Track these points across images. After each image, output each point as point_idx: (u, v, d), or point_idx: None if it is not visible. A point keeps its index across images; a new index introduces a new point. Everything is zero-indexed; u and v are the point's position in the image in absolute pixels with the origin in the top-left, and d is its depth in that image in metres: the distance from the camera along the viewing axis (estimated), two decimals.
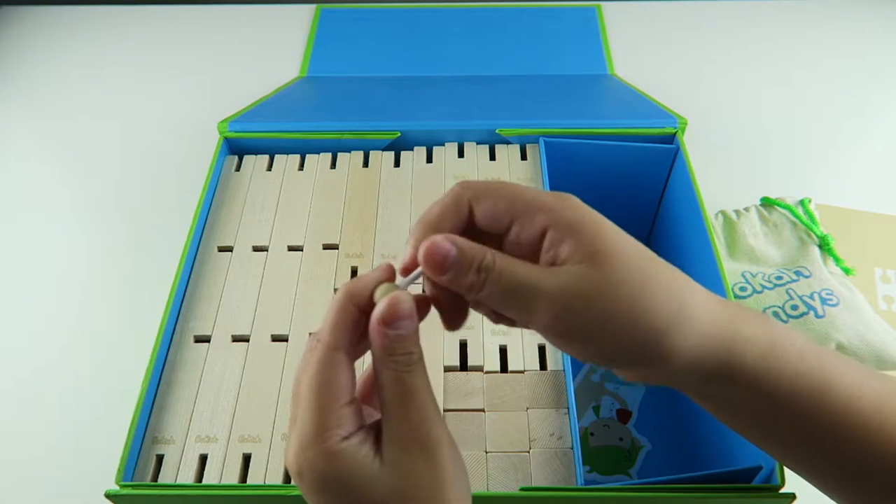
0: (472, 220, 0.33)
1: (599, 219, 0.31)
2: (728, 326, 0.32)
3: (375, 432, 0.32)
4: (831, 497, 0.36)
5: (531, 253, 0.32)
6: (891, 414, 0.33)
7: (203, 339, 0.54)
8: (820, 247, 0.70)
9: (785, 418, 0.33)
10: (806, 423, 0.33)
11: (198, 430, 0.50)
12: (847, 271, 0.69)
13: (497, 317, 0.34)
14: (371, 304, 0.31)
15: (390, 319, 0.31)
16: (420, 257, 0.31)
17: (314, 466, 0.30)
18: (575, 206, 0.32)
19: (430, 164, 0.66)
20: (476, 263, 0.30)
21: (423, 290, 0.33)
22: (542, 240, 0.31)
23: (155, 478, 0.48)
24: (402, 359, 0.31)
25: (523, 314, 0.31)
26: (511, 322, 0.34)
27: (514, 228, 0.32)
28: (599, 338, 0.30)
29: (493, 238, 0.32)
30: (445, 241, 0.31)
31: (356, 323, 0.32)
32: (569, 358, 0.52)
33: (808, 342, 0.33)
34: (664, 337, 0.30)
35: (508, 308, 0.31)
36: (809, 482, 0.36)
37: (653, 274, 0.31)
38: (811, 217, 0.72)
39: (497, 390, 0.51)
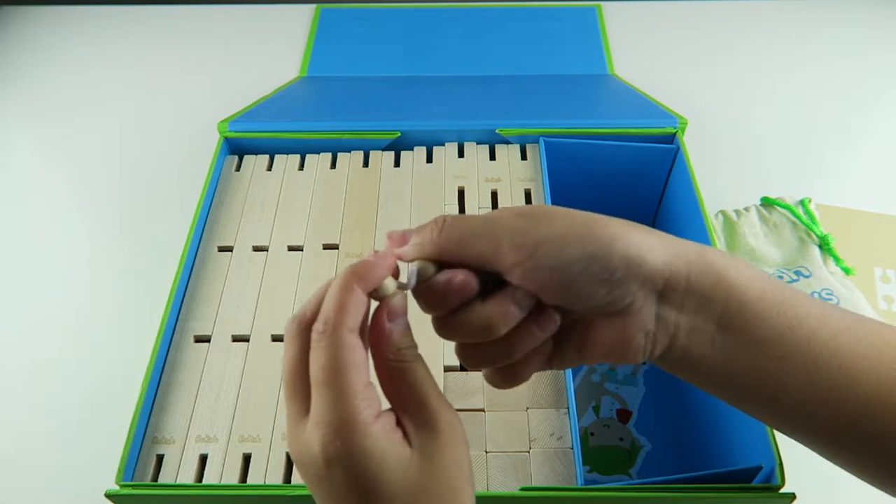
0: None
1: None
2: (700, 256, 0.33)
3: (395, 417, 0.32)
4: (825, 455, 0.35)
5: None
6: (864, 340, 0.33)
7: (203, 339, 0.54)
8: (820, 247, 0.70)
9: (768, 353, 0.33)
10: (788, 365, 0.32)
11: (198, 430, 0.50)
12: (847, 271, 0.69)
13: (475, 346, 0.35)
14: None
15: (393, 316, 0.32)
16: (386, 239, 0.34)
17: (351, 451, 0.29)
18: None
19: (430, 164, 0.66)
20: (432, 222, 0.33)
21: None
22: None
23: (155, 478, 0.48)
24: (409, 352, 0.32)
25: (487, 249, 0.32)
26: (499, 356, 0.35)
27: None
28: (558, 261, 0.31)
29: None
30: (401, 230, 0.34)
31: (364, 305, 0.31)
32: None
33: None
34: (618, 242, 0.31)
35: (474, 248, 0.32)
36: (802, 442, 0.35)
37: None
38: (811, 217, 0.72)
39: (497, 390, 0.51)
